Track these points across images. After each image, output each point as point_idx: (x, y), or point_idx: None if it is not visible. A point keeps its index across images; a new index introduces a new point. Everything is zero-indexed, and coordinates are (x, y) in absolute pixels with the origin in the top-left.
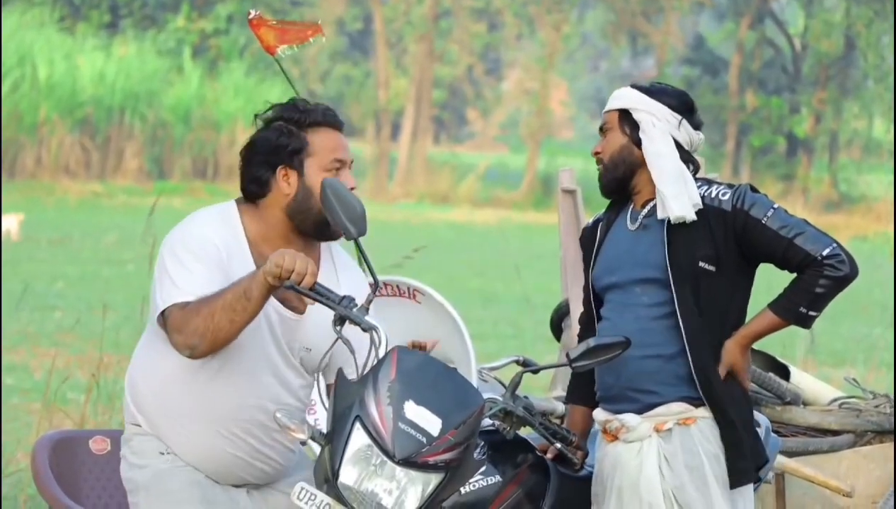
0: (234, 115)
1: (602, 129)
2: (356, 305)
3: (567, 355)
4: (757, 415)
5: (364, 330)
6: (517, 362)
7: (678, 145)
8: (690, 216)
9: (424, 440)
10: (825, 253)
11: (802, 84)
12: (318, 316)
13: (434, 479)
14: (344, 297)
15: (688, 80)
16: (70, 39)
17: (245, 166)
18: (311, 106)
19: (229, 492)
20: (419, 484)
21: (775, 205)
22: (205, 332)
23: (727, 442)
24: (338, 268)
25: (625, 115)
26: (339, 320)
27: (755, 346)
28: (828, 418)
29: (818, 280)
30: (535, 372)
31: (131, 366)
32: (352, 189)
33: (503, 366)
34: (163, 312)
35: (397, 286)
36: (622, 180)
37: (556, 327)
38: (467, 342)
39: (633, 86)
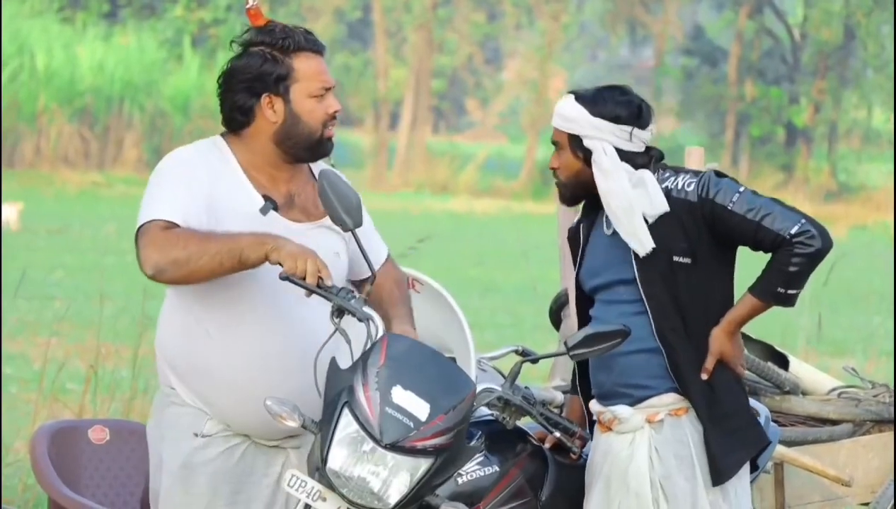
0: None
1: (554, 143)
2: (354, 296)
3: (565, 343)
4: (756, 405)
5: (360, 320)
6: (516, 352)
7: (633, 153)
8: (648, 246)
9: (412, 424)
10: (793, 230)
11: (802, 74)
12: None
13: (423, 464)
14: (342, 289)
15: (686, 70)
16: (69, 29)
17: (225, 94)
18: (291, 30)
19: (260, 473)
20: (408, 469)
21: (741, 189)
22: (183, 266)
23: (707, 438)
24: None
25: (575, 139)
26: (338, 311)
27: (756, 336)
28: (827, 407)
29: (791, 258)
30: (535, 361)
31: (159, 330)
32: (337, 111)
33: (502, 356)
34: (140, 227)
35: None
36: (582, 196)
37: (555, 316)
38: (466, 331)
39: (577, 98)
